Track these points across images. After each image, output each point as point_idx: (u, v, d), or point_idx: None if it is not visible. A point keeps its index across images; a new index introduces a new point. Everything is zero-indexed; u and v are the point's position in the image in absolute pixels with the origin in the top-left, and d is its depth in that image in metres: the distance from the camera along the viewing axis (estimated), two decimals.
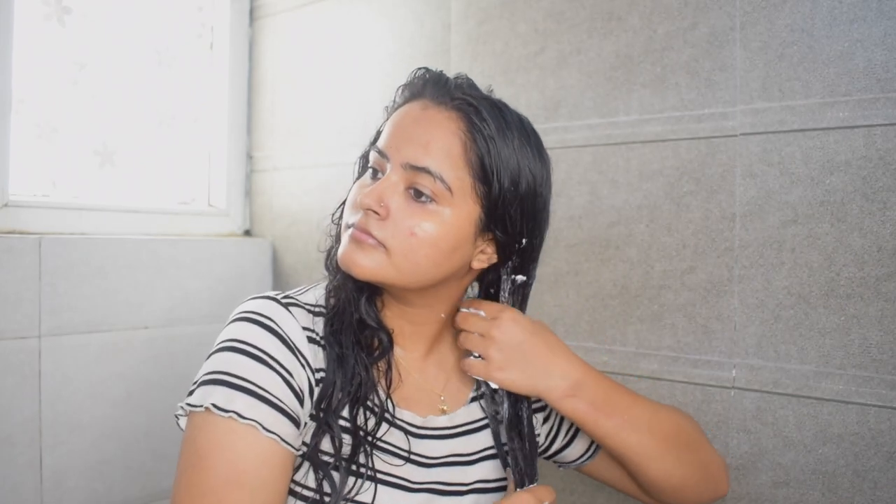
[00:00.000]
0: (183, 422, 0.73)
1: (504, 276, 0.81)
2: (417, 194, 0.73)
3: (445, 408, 0.83)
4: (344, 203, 0.81)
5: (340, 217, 0.81)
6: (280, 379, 0.71)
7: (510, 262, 0.79)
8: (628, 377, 1.15)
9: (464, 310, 0.82)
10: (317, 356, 0.75)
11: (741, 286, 1.05)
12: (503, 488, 0.83)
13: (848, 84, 0.96)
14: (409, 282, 0.75)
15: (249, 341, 0.71)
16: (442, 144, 0.73)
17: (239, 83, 1.74)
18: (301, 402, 0.72)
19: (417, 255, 0.73)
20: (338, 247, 0.78)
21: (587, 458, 0.92)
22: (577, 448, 0.92)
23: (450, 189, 0.72)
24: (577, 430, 0.91)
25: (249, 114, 1.76)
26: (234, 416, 0.67)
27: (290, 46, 1.68)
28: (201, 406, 0.68)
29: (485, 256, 0.78)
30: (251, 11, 1.75)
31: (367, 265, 0.73)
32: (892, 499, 0.93)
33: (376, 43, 1.51)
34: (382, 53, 1.50)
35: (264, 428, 0.68)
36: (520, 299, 0.83)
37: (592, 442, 0.90)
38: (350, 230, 0.75)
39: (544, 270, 1.24)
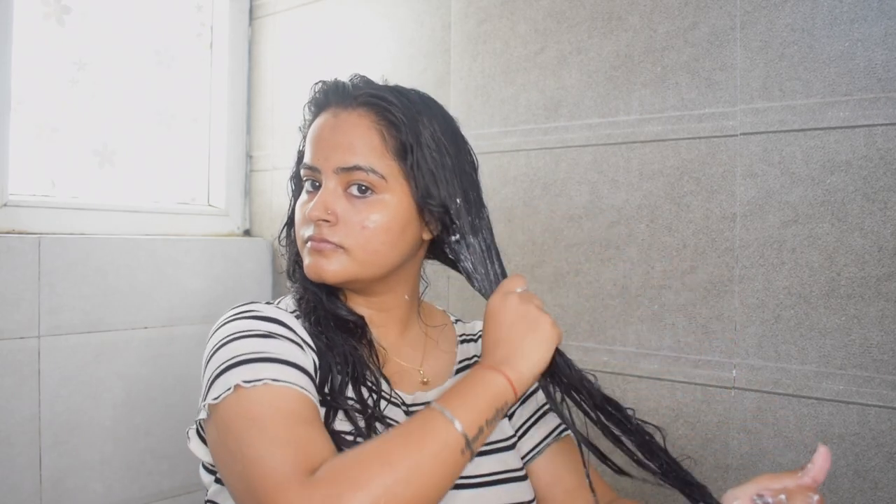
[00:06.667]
0: (195, 444, 0.75)
1: (456, 245, 0.82)
2: (357, 191, 0.79)
3: (426, 381, 0.87)
4: (287, 224, 0.88)
5: (287, 236, 0.88)
6: (294, 346, 0.74)
7: (455, 227, 0.81)
8: (629, 377, 1.15)
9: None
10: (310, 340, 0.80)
11: (741, 286, 1.05)
12: (501, 449, 0.84)
13: (848, 84, 0.96)
14: (374, 272, 0.81)
15: (252, 328, 0.74)
16: (363, 140, 0.79)
17: (238, 83, 1.74)
18: (315, 371, 0.76)
19: (374, 244, 0.79)
20: (295, 260, 0.86)
21: (525, 461, 0.91)
22: (521, 447, 0.91)
23: (383, 177, 0.78)
24: (528, 430, 0.91)
25: (249, 113, 1.76)
26: (268, 381, 0.68)
27: (290, 46, 1.68)
28: (228, 390, 0.68)
29: (432, 226, 0.83)
30: (250, 11, 1.75)
31: (333, 269, 0.79)
32: (893, 499, 0.93)
33: (376, 42, 1.51)
34: (383, 53, 1.50)
35: (301, 387, 0.70)
36: (490, 260, 0.83)
37: (533, 448, 0.90)
38: (308, 244, 0.80)
39: (545, 270, 1.24)
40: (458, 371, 0.89)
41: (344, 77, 0.86)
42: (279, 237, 0.90)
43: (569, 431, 0.93)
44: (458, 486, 0.79)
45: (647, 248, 1.13)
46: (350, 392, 0.78)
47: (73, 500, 1.33)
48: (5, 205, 1.32)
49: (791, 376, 1.00)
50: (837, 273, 0.97)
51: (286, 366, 0.71)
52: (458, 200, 0.80)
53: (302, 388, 0.70)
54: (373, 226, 0.78)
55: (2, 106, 1.31)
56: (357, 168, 0.77)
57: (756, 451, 1.03)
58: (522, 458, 0.90)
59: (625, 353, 1.15)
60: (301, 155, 0.87)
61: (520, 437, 0.91)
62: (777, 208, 1.01)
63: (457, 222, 0.80)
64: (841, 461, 0.96)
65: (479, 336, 0.94)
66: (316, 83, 0.86)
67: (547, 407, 0.93)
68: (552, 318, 0.75)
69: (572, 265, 1.21)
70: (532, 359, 0.72)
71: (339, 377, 0.77)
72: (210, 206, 1.73)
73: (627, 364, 1.15)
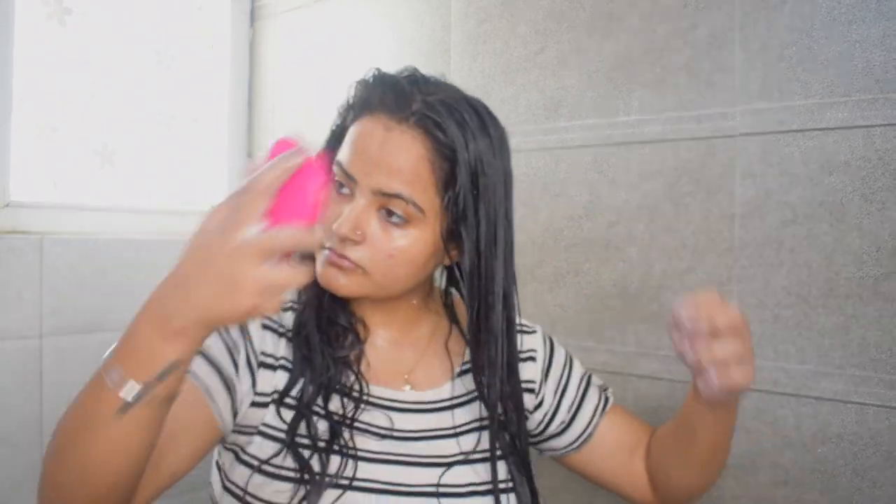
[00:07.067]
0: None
1: (464, 271, 0.79)
2: (390, 214, 0.75)
3: (409, 387, 0.85)
4: None
5: None
6: (226, 352, 0.76)
7: (471, 250, 0.78)
8: (628, 377, 1.15)
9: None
10: (277, 344, 0.80)
11: (740, 286, 1.05)
12: (486, 459, 0.82)
13: (847, 84, 0.96)
14: (388, 293, 0.80)
15: None
16: (411, 168, 0.74)
17: (239, 83, 1.75)
18: (237, 369, 0.77)
19: (397, 273, 0.77)
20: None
21: (573, 450, 0.92)
22: (566, 438, 0.92)
23: (422, 210, 0.75)
24: (573, 419, 0.92)
25: (250, 114, 1.76)
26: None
27: (291, 47, 1.68)
28: None
29: (455, 252, 0.81)
30: (252, 12, 1.75)
31: (348, 285, 0.77)
32: (891, 498, 0.93)
33: (377, 43, 1.51)
34: (383, 53, 1.50)
35: (206, 388, 0.74)
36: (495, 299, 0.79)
37: (583, 433, 0.91)
38: (326, 252, 0.77)
39: (545, 270, 1.25)
40: (462, 374, 0.87)
41: (387, 70, 0.81)
42: None
43: (612, 400, 0.94)
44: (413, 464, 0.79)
45: (647, 249, 1.14)
46: (320, 401, 0.78)
47: None
48: (7, 205, 1.32)
49: (790, 376, 1.01)
50: (836, 273, 0.97)
51: (206, 363, 0.74)
52: (481, 225, 0.77)
53: (206, 389, 0.73)
54: (400, 255, 0.76)
55: (3, 106, 1.31)
56: (398, 197, 0.74)
57: (755, 450, 1.03)
58: (568, 445, 0.92)
59: (624, 353, 1.16)
60: (336, 138, 0.82)
61: (557, 434, 0.92)
62: (776, 208, 1.02)
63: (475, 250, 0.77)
64: (839, 460, 0.97)
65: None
66: (368, 74, 0.82)
67: (580, 387, 0.93)
68: (248, 244, 0.55)
69: (572, 265, 1.22)
70: (190, 291, 0.58)
71: (311, 388, 0.77)
72: (211, 206, 1.73)
73: (627, 364, 1.15)
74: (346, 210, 0.75)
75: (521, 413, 0.85)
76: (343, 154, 0.78)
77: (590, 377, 0.96)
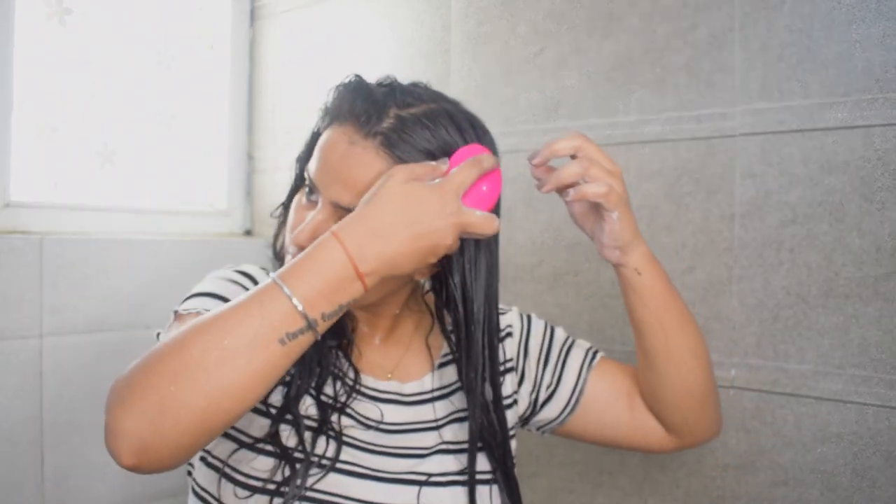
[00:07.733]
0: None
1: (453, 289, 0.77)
2: None
3: (393, 381, 0.86)
4: (283, 206, 0.88)
5: (283, 219, 0.87)
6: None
7: (456, 267, 0.75)
8: None
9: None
10: None
11: (740, 286, 1.05)
12: (466, 450, 0.82)
13: (846, 85, 0.96)
14: (356, 305, 0.79)
15: (236, 279, 0.84)
16: (369, 185, 0.71)
17: (239, 83, 1.75)
18: None
19: None
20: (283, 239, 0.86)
21: (569, 413, 0.92)
22: (559, 402, 0.92)
23: None
24: (560, 379, 0.92)
25: (250, 114, 1.77)
26: (202, 310, 0.76)
27: (291, 47, 1.68)
28: (195, 310, 0.75)
29: (426, 268, 0.78)
30: (252, 12, 1.76)
31: None
32: (891, 498, 0.93)
33: (377, 43, 1.51)
34: (383, 53, 1.50)
35: None
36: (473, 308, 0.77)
37: (573, 390, 0.91)
38: (289, 258, 0.79)
39: (544, 270, 1.25)
40: (442, 365, 0.88)
41: (370, 77, 0.79)
42: (274, 212, 0.91)
43: (601, 355, 0.94)
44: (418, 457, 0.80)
45: None
46: (308, 402, 0.78)
47: (76, 499, 1.34)
48: (7, 205, 1.32)
49: (789, 376, 1.01)
50: (835, 273, 0.97)
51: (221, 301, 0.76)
52: (465, 261, 0.75)
53: None
54: None
55: (3, 106, 1.31)
56: (351, 211, 0.71)
57: (754, 450, 1.04)
58: (563, 408, 0.91)
59: (624, 354, 1.16)
60: (315, 140, 0.82)
61: (547, 400, 0.92)
62: (775, 208, 1.02)
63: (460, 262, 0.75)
64: (839, 460, 0.97)
65: None
66: (348, 80, 0.79)
67: (562, 349, 0.93)
68: (456, 213, 0.66)
69: (572, 265, 1.22)
70: (390, 241, 0.63)
71: (304, 375, 0.78)
72: (211, 206, 1.73)
73: (626, 363, 1.15)
74: (308, 217, 0.75)
75: (504, 427, 0.84)
76: (312, 162, 0.78)
77: (574, 340, 0.96)
